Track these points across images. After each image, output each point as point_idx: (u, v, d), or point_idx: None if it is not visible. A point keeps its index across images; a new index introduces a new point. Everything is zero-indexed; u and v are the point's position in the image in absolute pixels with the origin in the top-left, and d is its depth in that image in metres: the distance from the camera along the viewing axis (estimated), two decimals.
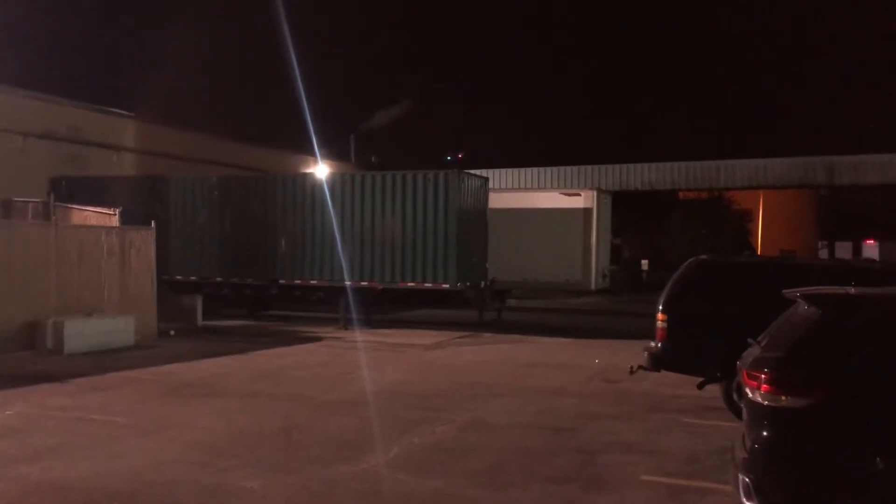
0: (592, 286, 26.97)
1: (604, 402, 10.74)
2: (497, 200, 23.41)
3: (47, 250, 15.30)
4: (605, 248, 27.91)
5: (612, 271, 31.64)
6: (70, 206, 18.91)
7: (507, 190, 29.96)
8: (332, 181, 21.07)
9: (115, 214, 18.45)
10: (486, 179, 21.95)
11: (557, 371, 13.59)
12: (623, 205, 34.36)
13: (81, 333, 14.78)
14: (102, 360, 13.62)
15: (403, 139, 47.37)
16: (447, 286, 19.36)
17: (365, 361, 14.33)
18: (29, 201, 18.51)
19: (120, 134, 27.19)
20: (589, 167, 35.40)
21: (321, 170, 31.33)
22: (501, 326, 20.14)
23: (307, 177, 23.31)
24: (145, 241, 17.38)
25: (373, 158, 42.34)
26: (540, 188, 32.74)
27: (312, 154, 33.88)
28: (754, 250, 43.49)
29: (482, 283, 20.66)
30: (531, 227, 25.90)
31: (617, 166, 35.35)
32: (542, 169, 36.06)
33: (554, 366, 14.23)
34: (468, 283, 19.88)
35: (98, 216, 18.43)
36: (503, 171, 35.00)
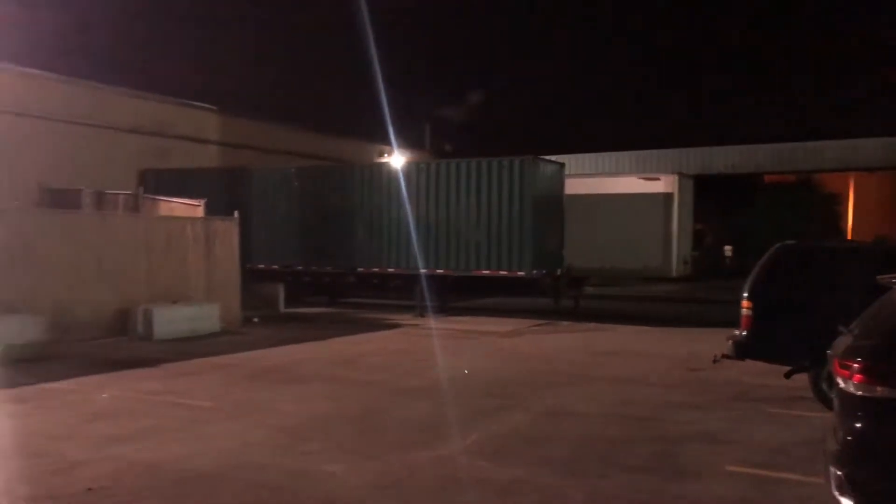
0: (673, 273, 26.38)
1: (686, 392, 10.52)
2: (574, 186, 23.10)
3: (137, 241, 15.93)
4: (686, 234, 27.26)
5: (693, 257, 30.92)
6: (157, 197, 19.63)
7: (583, 175, 29.55)
8: (408, 170, 21.23)
9: (200, 205, 19.06)
10: (562, 165, 21.70)
11: (637, 359, 13.38)
12: (705, 189, 33.46)
13: (170, 320, 15.33)
14: (190, 347, 14.11)
15: (478, 126, 47.29)
16: (522, 274, 19.27)
17: (441, 348, 14.41)
18: (119, 193, 19.29)
19: (204, 127, 28.04)
20: (669, 151, 34.62)
21: (397, 159, 31.61)
22: (578, 314, 19.94)
23: (383, 166, 23.54)
24: (229, 231, 17.88)
25: (447, 146, 42.42)
26: (618, 173, 32.18)
27: (388, 143, 34.19)
28: (843, 235, 41.80)
29: (558, 271, 20.48)
30: (609, 213, 25.48)
31: (699, 149, 34.46)
32: (620, 153, 35.47)
33: (633, 354, 14.01)
34: (544, 271, 19.74)
35: (184, 207, 19.08)
36: (580, 156, 34.56)
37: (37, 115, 21.64)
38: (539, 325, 18.45)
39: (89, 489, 6.21)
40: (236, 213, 18.29)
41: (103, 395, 9.91)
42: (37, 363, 11.99)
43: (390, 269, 20.83)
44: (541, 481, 6.61)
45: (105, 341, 14.55)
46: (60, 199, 18.26)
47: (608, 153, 35.61)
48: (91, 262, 14.96)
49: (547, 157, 21.44)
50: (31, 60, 23.00)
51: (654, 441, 7.92)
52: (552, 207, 20.43)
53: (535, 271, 19.29)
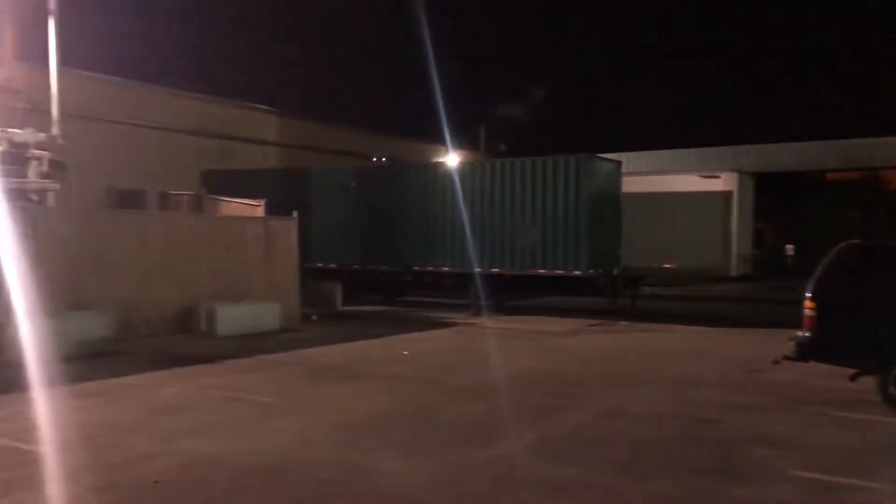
0: (733, 272, 25.93)
1: (746, 393, 10.33)
2: (631, 184, 22.85)
3: (200, 240, 16.34)
4: (746, 233, 26.76)
5: (754, 256, 30.28)
6: (219, 197, 20.10)
7: (641, 173, 29.19)
8: (463, 169, 21.29)
9: (260, 205, 19.45)
10: (619, 163, 21.48)
11: (696, 360, 13.18)
12: (767, 187, 32.73)
13: (231, 318, 15.70)
14: (250, 343, 14.42)
15: (533, 125, 47.09)
16: (579, 273, 19.15)
17: (497, 348, 14.43)
18: (183, 194, 19.82)
19: (264, 128, 28.62)
20: (729, 148, 33.93)
21: (452, 158, 31.70)
22: (635, 314, 19.72)
23: (437, 165, 23.65)
24: (288, 230, 18.20)
25: (501, 146, 42.37)
26: (676, 171, 31.69)
27: (443, 143, 34.33)
28: None
29: (615, 270, 20.28)
30: (667, 211, 25.16)
31: (760, 146, 33.70)
32: (678, 151, 34.93)
33: (692, 354, 13.80)
34: (600, 270, 19.58)
35: (245, 207, 19.49)
36: (637, 153, 34.14)
37: (104, 119, 22.36)
38: (595, 324, 18.32)
39: (156, 481, 6.42)
40: (295, 213, 18.60)
41: (168, 390, 10.21)
42: (106, 359, 12.42)
43: (445, 268, 20.92)
44: (598, 482, 6.59)
45: (170, 338, 14.97)
46: (127, 200, 18.85)
47: (666, 151, 35.11)
48: (156, 261, 15.42)
49: (603, 156, 21.27)
50: (98, 66, 23.79)
51: (714, 443, 7.81)
52: (609, 206, 20.25)
53: (591, 270, 19.15)
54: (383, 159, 26.59)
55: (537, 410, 9.19)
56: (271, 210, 19.43)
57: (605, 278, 19.94)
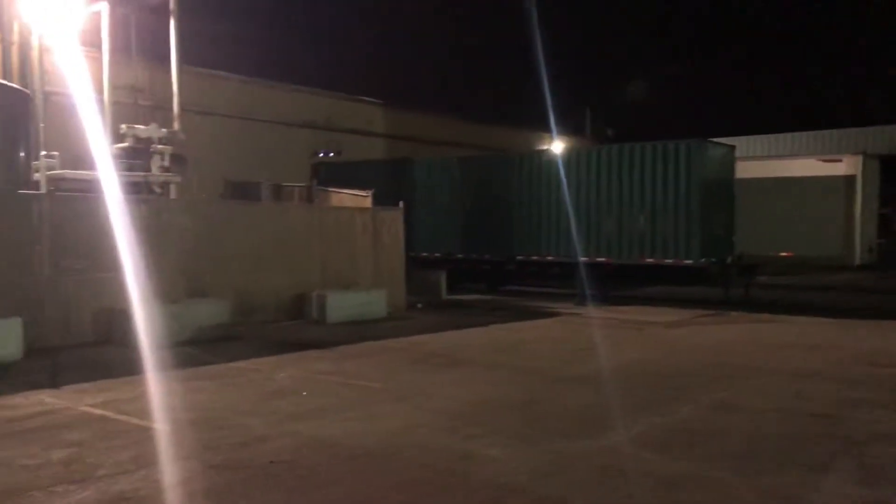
0: (856, 261, 24.56)
1: (870, 389, 9.78)
2: (745, 170, 22.01)
3: (311, 230, 16.86)
4: (871, 220, 25.27)
5: (879, 245, 28.59)
6: (329, 189, 20.65)
7: (756, 158, 28.02)
8: (568, 156, 21.04)
9: (367, 196, 19.87)
10: (733, 148, 20.71)
11: (814, 353, 12.58)
12: (894, 170, 30.76)
13: (341, 305, 16.12)
14: (359, 330, 14.77)
15: (642, 110, 45.96)
16: (689, 262, 18.61)
17: (602, 338, 14.22)
18: (294, 186, 20.48)
19: (371, 120, 29.19)
20: (852, 130, 32.03)
21: (556, 145, 31.37)
22: (750, 304, 18.98)
23: (542, 153, 23.47)
24: (394, 220, 18.52)
25: (608, 132, 41.58)
26: (794, 155, 30.23)
27: (548, 130, 34.02)
28: None
29: (728, 259, 19.60)
30: (784, 197, 24.09)
31: (886, 127, 31.66)
32: (796, 134, 33.26)
33: (810, 347, 13.18)
34: (712, 259, 18.96)
35: (353, 198, 19.95)
36: (752, 138, 32.76)
37: (220, 114, 23.36)
38: (707, 315, 17.76)
39: (271, 462, 6.68)
40: (401, 203, 18.89)
41: (282, 375, 10.60)
42: (223, 344, 13.00)
43: (549, 257, 20.77)
44: (709, 476, 6.41)
45: (282, 324, 15.53)
46: (242, 192, 19.62)
47: (783, 134, 33.50)
48: (270, 250, 16.00)
49: (716, 140, 20.55)
50: (215, 63, 24.83)
51: (834, 440, 7.44)
52: (722, 192, 19.57)
53: (703, 259, 18.58)
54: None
55: (645, 402, 9.01)
56: (378, 200, 19.81)
57: (718, 267, 19.31)
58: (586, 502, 5.86)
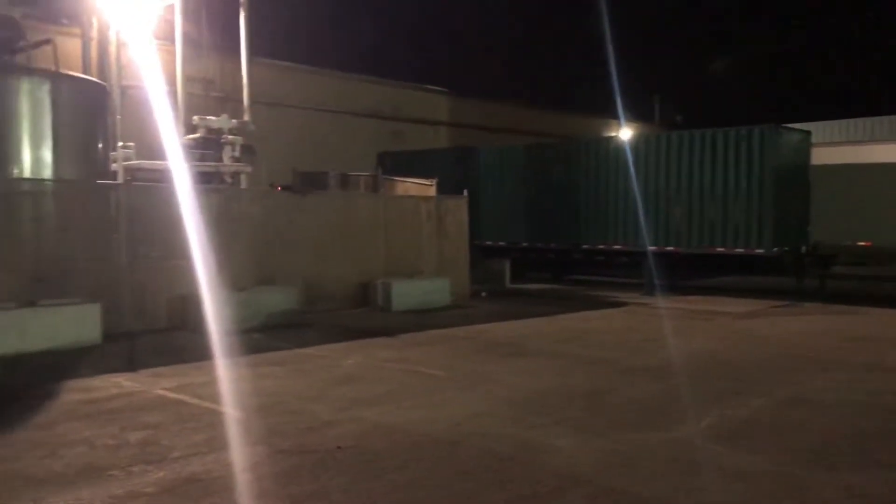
0: None
1: None
2: (822, 156, 21.23)
3: (376, 218, 17.01)
4: None
5: None
6: (394, 178, 20.78)
7: (833, 144, 27.02)
8: (635, 143, 20.66)
9: (432, 185, 19.92)
10: (808, 133, 20.02)
11: (893, 347, 12.10)
12: None
13: (405, 293, 16.24)
14: (423, 318, 14.86)
15: (713, 95, 44.79)
16: (762, 251, 18.10)
17: (670, 328, 13.96)
18: (360, 175, 20.66)
19: (435, 109, 29.24)
20: None
21: (624, 132, 30.87)
22: (825, 296, 18.37)
23: (609, 140, 23.11)
24: (459, 208, 18.53)
25: (678, 118, 40.68)
26: (873, 140, 29.04)
27: (615, 117, 33.50)
28: None
29: (803, 248, 18.99)
30: (864, 184, 23.11)
31: None
32: (876, 119, 31.96)
33: (889, 341, 12.69)
34: (785, 248, 18.40)
35: (417, 187, 20.04)
36: (828, 123, 31.64)
37: (289, 105, 23.73)
38: (779, 306, 17.27)
39: (338, 447, 6.78)
40: (465, 191, 18.87)
41: (348, 361, 10.74)
42: (291, 330, 13.26)
43: (616, 246, 20.46)
44: (781, 471, 6.23)
45: (348, 312, 15.74)
46: (309, 181, 19.90)
47: (862, 119, 32.23)
48: (336, 239, 16.22)
49: (790, 125, 19.89)
50: (283, 53, 25.21)
51: None
52: (796, 180, 18.94)
53: (775, 248, 18.04)
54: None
55: (715, 394, 8.81)
56: (443, 189, 19.84)
57: (791, 257, 18.72)
58: (654, 495, 5.77)
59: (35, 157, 13.58)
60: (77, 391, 8.86)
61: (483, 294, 18.58)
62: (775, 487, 5.90)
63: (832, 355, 11.39)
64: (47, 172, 13.48)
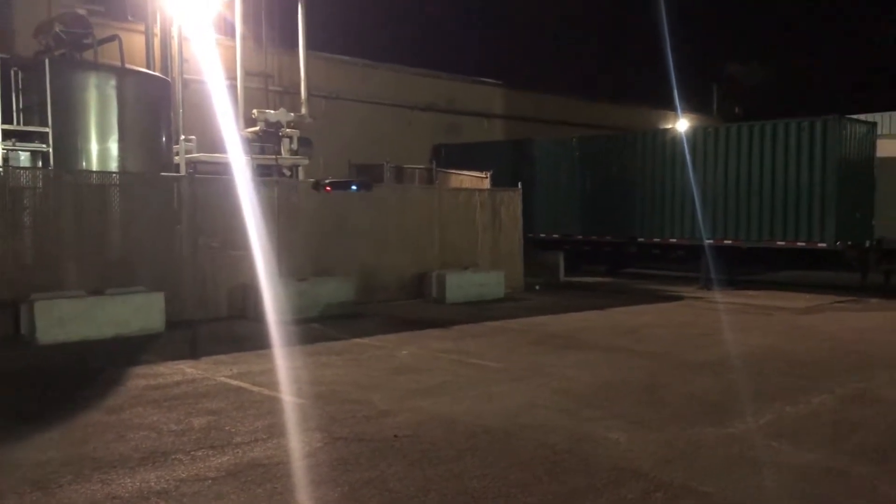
0: None
1: None
2: (888, 148, 20.59)
3: (431, 211, 17.12)
4: None
5: None
6: (448, 170, 20.86)
7: None
8: (693, 135, 20.33)
9: (486, 177, 19.94)
10: (874, 125, 19.43)
11: None
12: None
13: (460, 285, 16.32)
14: (477, 310, 14.91)
15: (774, 86, 43.65)
16: (824, 245, 17.67)
17: (728, 323, 13.75)
18: (416, 168, 20.81)
19: (489, 102, 29.19)
20: None
21: (680, 124, 30.38)
22: (890, 291, 17.84)
23: (666, 132, 22.79)
24: (513, 201, 18.53)
25: (737, 109, 39.87)
26: None
27: (671, 108, 32.99)
28: None
29: (867, 242, 18.47)
30: None
31: None
32: None
33: None
34: (849, 242, 17.92)
35: (472, 179, 20.09)
36: (894, 114, 30.57)
37: (345, 98, 23.99)
38: (842, 301, 16.84)
39: (395, 436, 6.89)
40: (519, 184, 18.84)
41: (403, 352, 10.87)
42: (348, 320, 13.46)
43: (672, 240, 20.20)
44: (846, 469, 6.12)
45: (404, 303, 15.89)
46: (365, 173, 20.12)
47: None
48: (392, 231, 16.38)
49: (855, 117, 19.34)
50: (340, 47, 25.46)
51: None
52: (861, 172, 18.43)
53: (838, 243, 17.59)
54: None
55: (774, 390, 8.67)
56: (497, 181, 19.85)
57: (855, 251, 18.23)
58: (713, 490, 5.72)
59: (102, 150, 14.03)
60: (143, 377, 9.17)
61: (537, 287, 18.54)
62: (839, 486, 5.80)
63: (895, 351, 11.08)
64: (113, 165, 13.92)
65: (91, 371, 9.61)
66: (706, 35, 43.59)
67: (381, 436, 6.91)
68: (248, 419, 7.41)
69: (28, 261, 11.91)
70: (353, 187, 15.70)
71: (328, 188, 15.02)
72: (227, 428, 7.12)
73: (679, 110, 32.21)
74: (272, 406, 7.94)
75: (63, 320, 11.27)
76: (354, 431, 7.04)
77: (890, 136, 24.42)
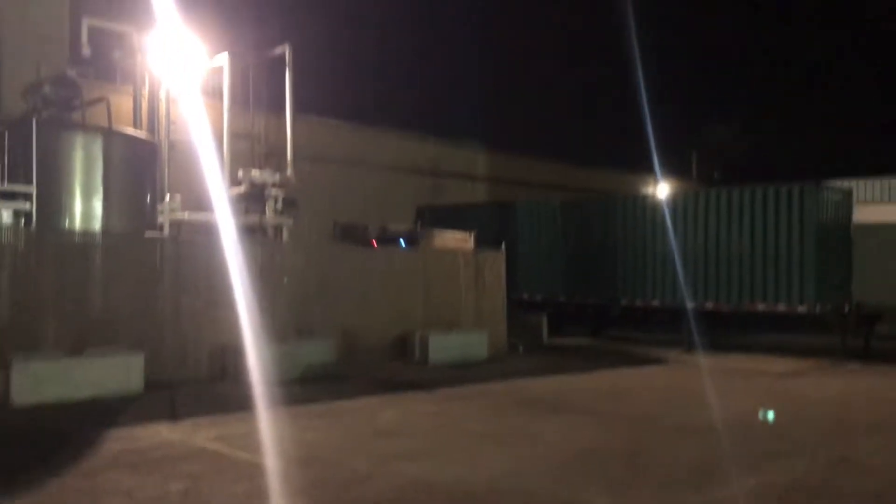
0: None
1: None
2: (864, 214, 21.02)
3: (415, 272, 17.15)
4: None
5: None
6: (433, 230, 20.96)
7: (875, 203, 26.74)
8: (673, 200, 20.64)
9: (469, 239, 20.06)
10: (850, 192, 19.84)
11: None
12: None
13: (443, 346, 16.24)
14: (461, 372, 14.82)
15: (750, 152, 44.57)
16: (804, 309, 17.82)
17: (712, 387, 13.72)
18: (400, 228, 20.91)
19: (473, 164, 29.59)
20: None
21: (661, 188, 30.87)
22: (869, 356, 17.96)
23: (648, 197, 23.13)
24: (496, 262, 18.62)
25: (715, 174, 40.61)
26: None
27: (652, 173, 33.53)
28: None
29: (846, 307, 18.66)
30: None
31: None
32: None
33: None
34: (829, 306, 18.10)
35: (455, 240, 20.19)
36: (870, 181, 31.29)
37: (330, 159, 24.22)
38: (822, 365, 16.91)
39: (377, 503, 6.78)
40: (503, 246, 18.96)
41: (385, 415, 10.75)
42: (329, 382, 13.31)
43: (655, 303, 20.30)
44: None
45: (386, 364, 15.76)
46: (349, 234, 20.19)
47: None
48: (375, 291, 16.35)
49: (831, 183, 19.76)
50: (325, 109, 25.80)
51: None
52: (838, 238, 18.72)
53: (818, 307, 17.75)
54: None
55: (757, 455, 8.64)
56: (480, 243, 19.96)
57: (835, 315, 18.40)
58: None
59: (86, 209, 14.05)
60: (119, 440, 8.99)
61: (520, 348, 18.49)
62: None
63: (878, 417, 11.10)
64: (97, 223, 13.92)
65: (66, 434, 9.42)
66: (685, 101, 44.68)
67: (363, 501, 6.79)
68: (227, 483, 7.27)
69: (5, 321, 11.76)
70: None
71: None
72: (204, 492, 6.98)
73: (659, 175, 32.75)
74: (251, 470, 7.80)
75: (39, 381, 11.07)
76: (335, 497, 6.93)
77: (866, 202, 24.96)
